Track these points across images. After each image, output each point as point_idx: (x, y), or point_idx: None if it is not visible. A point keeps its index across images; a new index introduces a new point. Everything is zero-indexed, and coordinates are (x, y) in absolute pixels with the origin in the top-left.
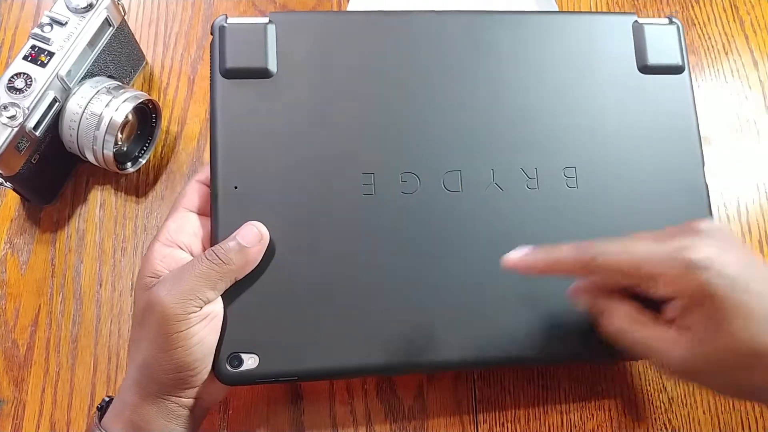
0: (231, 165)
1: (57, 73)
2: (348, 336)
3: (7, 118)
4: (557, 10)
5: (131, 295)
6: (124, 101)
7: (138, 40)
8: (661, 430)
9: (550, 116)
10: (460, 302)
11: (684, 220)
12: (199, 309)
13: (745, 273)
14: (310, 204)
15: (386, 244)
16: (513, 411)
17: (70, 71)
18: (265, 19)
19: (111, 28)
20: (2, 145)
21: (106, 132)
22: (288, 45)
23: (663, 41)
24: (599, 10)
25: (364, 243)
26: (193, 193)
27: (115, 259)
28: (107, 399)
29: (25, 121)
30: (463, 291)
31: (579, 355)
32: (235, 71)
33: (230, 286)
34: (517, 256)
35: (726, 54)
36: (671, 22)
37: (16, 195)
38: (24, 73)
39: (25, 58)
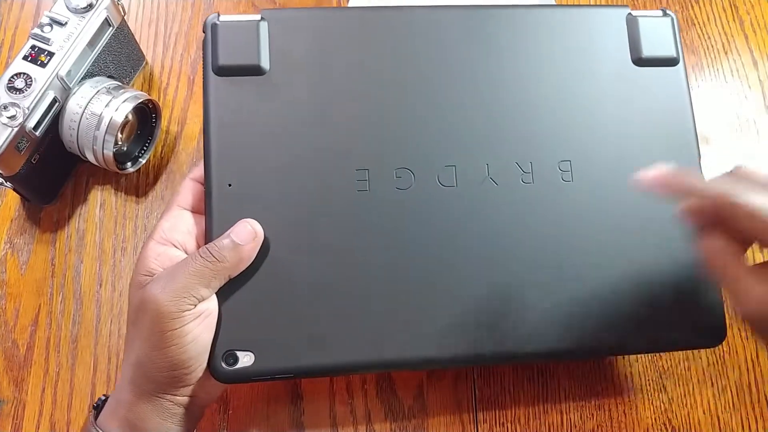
0: (225, 163)
1: (57, 73)
2: (344, 332)
3: (7, 118)
4: (554, 2)
5: None
6: (124, 101)
7: (138, 40)
8: (661, 430)
9: (544, 110)
10: (456, 298)
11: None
12: (193, 307)
13: None
14: (304, 200)
15: (381, 240)
16: (513, 410)
17: (70, 71)
18: (258, 17)
19: (111, 28)
20: (2, 145)
21: (106, 132)
22: (281, 42)
23: (657, 33)
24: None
25: (359, 239)
26: (187, 191)
27: (115, 259)
28: (103, 398)
29: (25, 121)
30: (458, 286)
31: (573, 352)
32: (227, 69)
33: (225, 284)
34: (657, 174)
35: (725, 54)
36: (665, 14)
37: (16, 195)
38: (24, 73)
39: (25, 58)
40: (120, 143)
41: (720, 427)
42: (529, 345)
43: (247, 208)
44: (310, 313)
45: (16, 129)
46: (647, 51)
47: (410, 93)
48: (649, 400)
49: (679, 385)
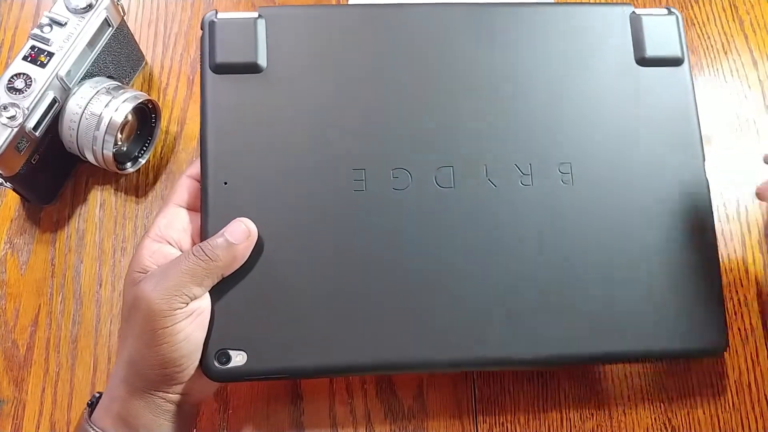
0: (221, 160)
1: (57, 74)
2: (337, 333)
3: (7, 118)
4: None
5: None
6: (124, 101)
7: (137, 41)
8: (661, 430)
9: (544, 110)
10: (451, 300)
11: (684, 218)
12: (185, 305)
13: None
14: (300, 200)
15: (377, 241)
16: (513, 410)
17: (69, 71)
18: (255, 14)
19: (110, 28)
20: (2, 146)
21: (105, 132)
22: (278, 40)
23: (661, 32)
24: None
25: (355, 239)
26: (184, 188)
27: (115, 259)
28: (97, 395)
29: (24, 121)
30: (453, 289)
31: (570, 358)
32: (224, 66)
33: (219, 283)
34: None
35: (725, 53)
36: (670, 13)
37: (16, 195)
38: (24, 74)
39: (24, 58)
40: (120, 143)
41: (720, 427)
42: (526, 350)
43: (242, 207)
44: (304, 314)
45: (16, 129)
46: (651, 51)
47: (408, 92)
48: (649, 399)
49: (679, 385)
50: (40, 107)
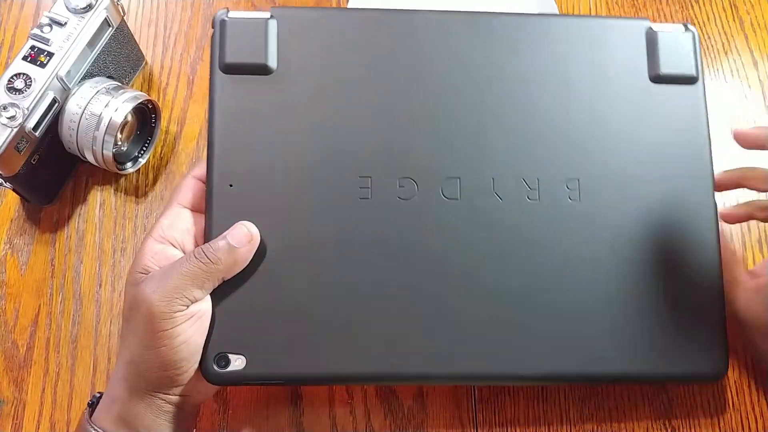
0: (227, 162)
1: (56, 74)
2: (337, 342)
3: (7, 118)
4: (556, 9)
5: None
6: (124, 102)
7: (137, 41)
8: (661, 430)
9: (554, 125)
10: (453, 313)
11: (690, 241)
12: (185, 308)
13: None
14: (304, 205)
15: (380, 250)
16: (512, 411)
17: (69, 72)
18: (267, 14)
19: (110, 28)
20: (2, 146)
21: (105, 132)
22: (289, 41)
23: (677, 50)
24: (599, 9)
25: (358, 247)
26: (188, 189)
27: (114, 259)
28: (98, 395)
29: (24, 121)
30: (455, 302)
31: (571, 377)
32: (234, 67)
33: (220, 286)
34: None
35: (725, 53)
36: (687, 30)
37: (16, 195)
38: (23, 74)
39: (24, 58)
40: (119, 143)
41: (720, 427)
42: (528, 367)
43: (247, 209)
44: (305, 320)
45: (15, 129)
46: (665, 68)
47: (418, 101)
48: (649, 399)
49: (678, 385)
50: (40, 107)
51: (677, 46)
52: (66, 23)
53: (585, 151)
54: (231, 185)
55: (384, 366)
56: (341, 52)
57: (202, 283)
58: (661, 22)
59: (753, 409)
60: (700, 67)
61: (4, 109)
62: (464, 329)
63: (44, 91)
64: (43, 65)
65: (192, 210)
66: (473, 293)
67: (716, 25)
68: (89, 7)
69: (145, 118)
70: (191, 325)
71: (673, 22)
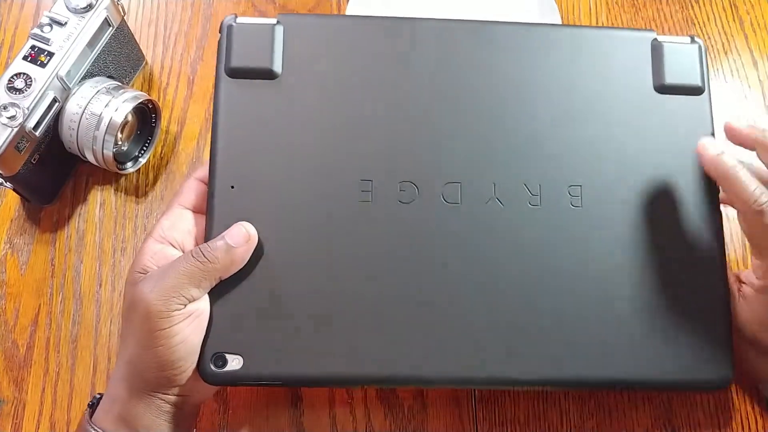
0: (229, 164)
1: (57, 74)
2: (335, 344)
3: (7, 118)
4: (556, 9)
5: None
6: (124, 101)
7: (138, 40)
8: (661, 430)
9: (557, 131)
10: (452, 318)
11: (692, 250)
12: (182, 307)
13: None
14: (305, 207)
15: (380, 253)
16: (512, 410)
17: (69, 71)
18: (274, 20)
19: (110, 28)
20: (2, 145)
21: (105, 132)
22: (294, 47)
23: (682, 60)
24: (599, 10)
25: (358, 250)
26: (190, 190)
27: (114, 259)
28: (98, 396)
29: (25, 121)
30: (454, 306)
31: (571, 382)
32: (239, 71)
33: (218, 286)
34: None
35: (725, 53)
36: (693, 42)
37: (16, 195)
38: (24, 74)
39: (24, 58)
40: (120, 143)
41: (720, 427)
42: (527, 372)
43: (248, 211)
44: (303, 322)
45: (16, 129)
46: (670, 78)
47: (420, 106)
48: (649, 399)
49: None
50: (40, 107)
51: (683, 56)
52: (66, 23)
53: (587, 158)
54: (232, 187)
55: (382, 369)
56: (345, 58)
57: (200, 282)
58: (661, 22)
59: (753, 409)
60: (706, 78)
61: (4, 108)
62: (464, 333)
63: (44, 91)
64: (43, 65)
65: (194, 211)
66: (473, 298)
67: (716, 25)
68: (89, 7)
69: (146, 117)
70: (189, 325)
71: (673, 22)
